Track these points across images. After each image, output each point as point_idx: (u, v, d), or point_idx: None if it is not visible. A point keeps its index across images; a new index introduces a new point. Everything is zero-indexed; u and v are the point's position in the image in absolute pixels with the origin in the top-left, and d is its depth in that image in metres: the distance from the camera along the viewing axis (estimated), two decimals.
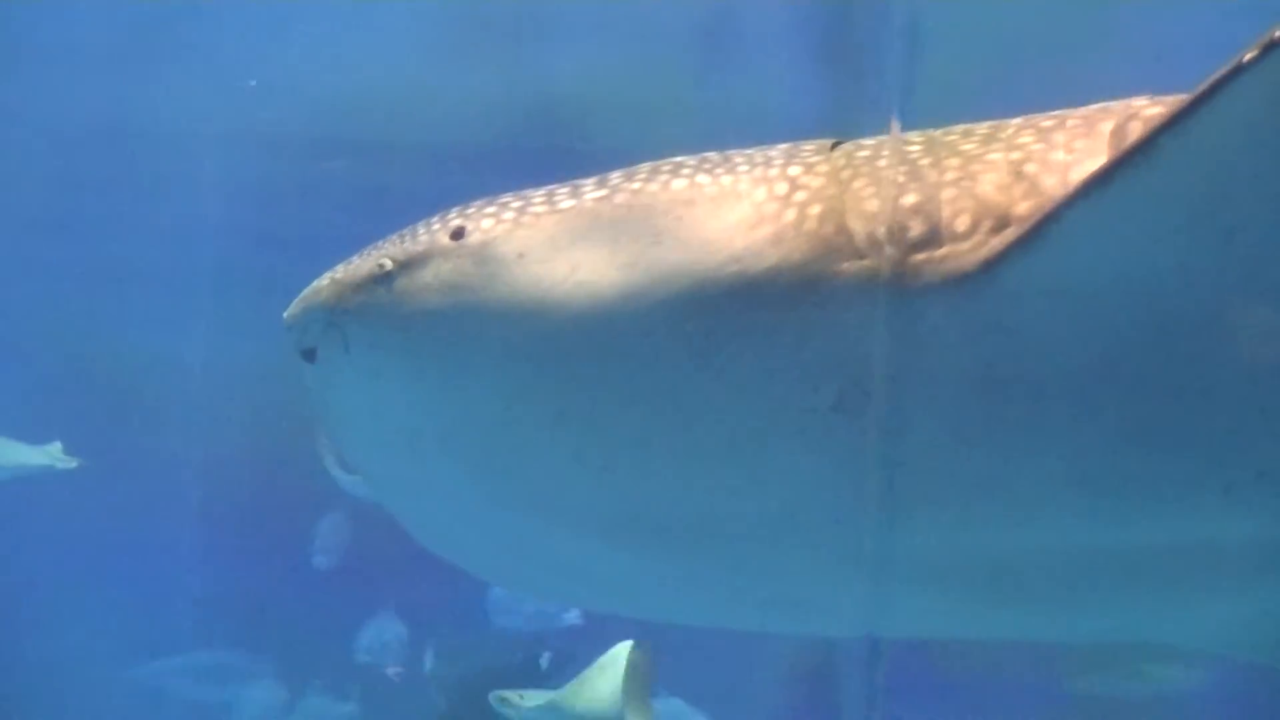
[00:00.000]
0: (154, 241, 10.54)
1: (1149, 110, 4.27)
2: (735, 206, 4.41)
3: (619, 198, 4.50)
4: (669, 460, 4.49)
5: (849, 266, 4.24)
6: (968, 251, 4.15)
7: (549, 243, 4.51)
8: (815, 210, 4.33)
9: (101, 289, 10.06)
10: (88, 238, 11.12)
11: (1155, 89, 3.94)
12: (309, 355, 4.67)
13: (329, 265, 4.84)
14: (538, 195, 4.61)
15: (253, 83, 10.29)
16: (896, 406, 4.31)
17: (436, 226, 4.62)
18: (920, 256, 4.19)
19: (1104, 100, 4.48)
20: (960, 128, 4.49)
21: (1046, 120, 4.36)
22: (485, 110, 10.46)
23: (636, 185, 4.50)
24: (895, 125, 4.58)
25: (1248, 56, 3.58)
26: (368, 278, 4.63)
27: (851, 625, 5.11)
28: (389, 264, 4.60)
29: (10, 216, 11.06)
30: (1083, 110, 4.40)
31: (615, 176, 4.57)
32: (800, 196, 4.36)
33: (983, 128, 4.47)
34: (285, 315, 4.71)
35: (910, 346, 4.26)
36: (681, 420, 4.43)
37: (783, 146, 4.57)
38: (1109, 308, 4.11)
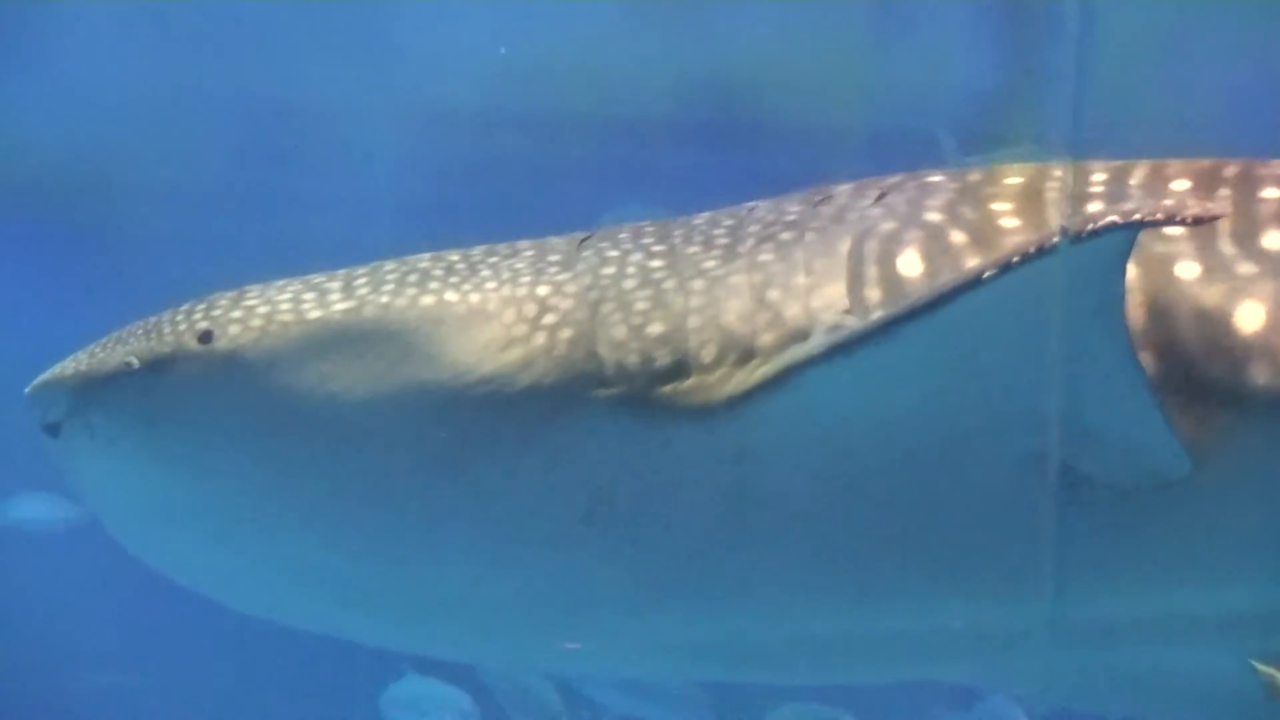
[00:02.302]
0: (329, 217, 10.63)
1: (884, 225, 4.50)
2: (484, 328, 4.51)
3: (367, 310, 4.58)
4: (421, 557, 4.65)
5: (598, 394, 4.40)
6: (714, 384, 4.34)
7: (296, 354, 4.59)
8: (565, 335, 4.47)
9: (278, 265, 10.17)
10: (264, 214, 11.24)
11: None
12: (52, 430, 4.75)
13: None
14: (284, 298, 4.70)
15: (502, 50, 10.36)
16: (645, 520, 4.46)
17: (183, 326, 4.71)
18: (668, 388, 4.35)
19: None
20: (700, 236, 4.64)
21: (785, 233, 4.53)
22: (659, 84, 10.46)
23: (384, 299, 4.58)
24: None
25: (987, 274, 3.92)
26: (113, 373, 4.69)
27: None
28: (135, 362, 4.67)
29: (190, 192, 11.21)
30: (821, 216, 4.60)
31: (361, 282, 4.66)
32: (549, 319, 4.49)
33: (721, 234, 4.63)
34: (27, 390, 4.81)
35: (658, 468, 4.40)
36: (431, 524, 4.59)
37: (528, 255, 4.69)
38: (850, 440, 4.33)
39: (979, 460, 4.35)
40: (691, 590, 4.64)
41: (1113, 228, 3.81)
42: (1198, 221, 3.96)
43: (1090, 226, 3.80)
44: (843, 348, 4.19)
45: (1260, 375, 4.22)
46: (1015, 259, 3.90)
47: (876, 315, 4.25)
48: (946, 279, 4.14)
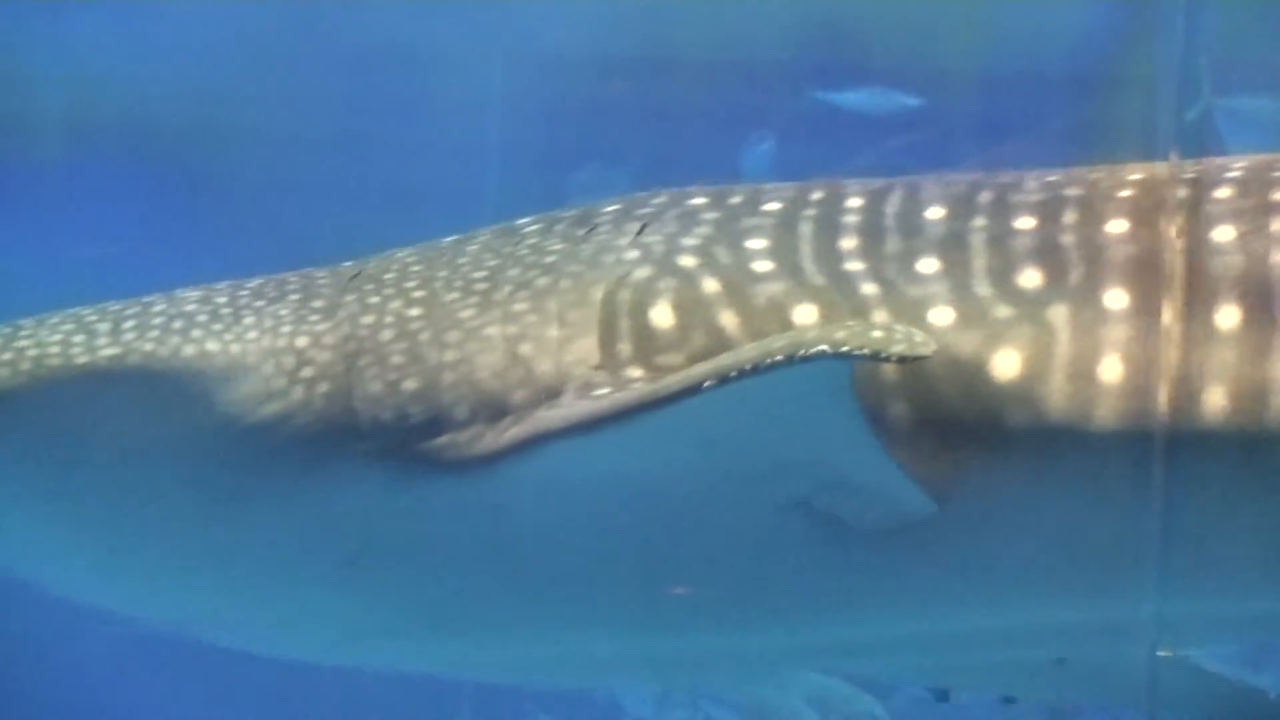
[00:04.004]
0: (438, 163, 10.65)
1: (638, 272, 4.58)
2: (243, 381, 4.61)
3: (131, 359, 4.69)
4: (199, 590, 4.90)
5: (355, 448, 4.52)
6: (466, 443, 4.45)
7: (64, 399, 4.72)
8: (322, 389, 4.57)
9: (386, 209, 10.21)
10: (373, 158, 11.27)
11: None
12: None
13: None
14: (54, 340, 4.79)
15: None
16: (410, 564, 4.71)
17: None
18: (422, 445, 4.45)
19: None
20: (460, 280, 4.72)
21: (542, 278, 4.61)
22: (768, 27, 10.41)
23: (148, 347, 4.68)
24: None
25: (706, 384, 4.10)
26: None
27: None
28: None
29: (300, 137, 11.24)
30: (579, 258, 4.68)
31: (129, 326, 4.76)
32: (307, 373, 4.59)
33: (481, 278, 4.71)
34: None
35: (417, 520, 4.57)
36: (211, 560, 4.79)
37: (292, 300, 4.77)
38: (602, 497, 4.47)
39: (734, 509, 4.48)
40: (463, 622, 4.89)
41: (822, 356, 3.97)
42: (902, 360, 4.00)
43: (801, 353, 3.97)
44: (581, 426, 4.33)
45: (1018, 419, 4.30)
46: (733, 374, 4.06)
47: (614, 396, 4.38)
48: (668, 382, 4.28)
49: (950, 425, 4.33)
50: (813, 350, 3.96)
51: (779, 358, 4.01)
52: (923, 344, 4.00)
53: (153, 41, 10.94)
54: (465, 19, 10.73)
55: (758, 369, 4.02)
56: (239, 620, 5.08)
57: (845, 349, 3.95)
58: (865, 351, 3.95)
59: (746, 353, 4.14)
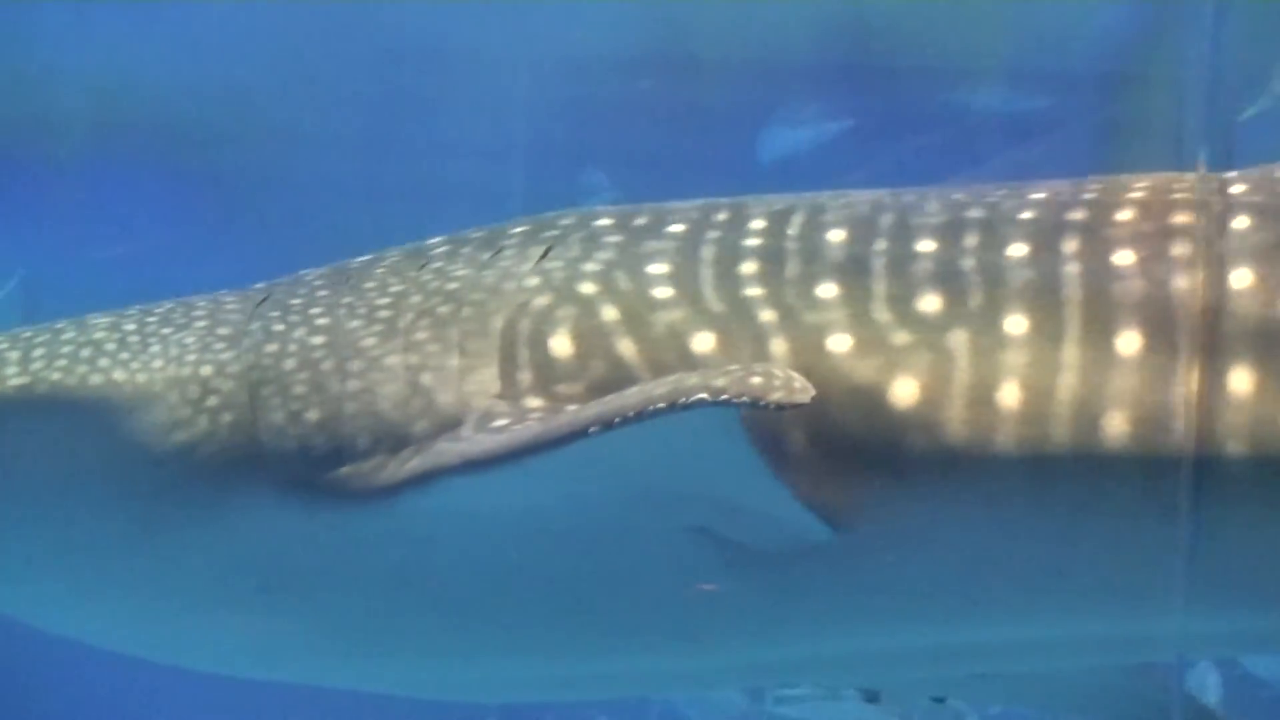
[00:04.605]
0: (467, 162, 10.67)
1: (538, 300, 4.59)
2: (149, 410, 4.64)
3: (40, 389, 4.73)
4: (120, 612, 4.95)
5: (260, 477, 4.53)
6: (369, 472, 4.46)
7: None
8: (226, 419, 4.60)
9: (416, 207, 10.22)
10: (403, 157, 11.28)
11: None
12: None
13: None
14: None
15: None
16: (320, 589, 4.71)
17: None
18: (326, 474, 4.46)
19: None
20: (364, 308, 4.73)
21: (444, 306, 4.61)
22: (796, 26, 10.41)
23: (56, 376, 4.74)
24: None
25: (591, 430, 4.11)
26: None
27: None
28: None
29: (330, 136, 11.26)
30: (481, 285, 4.68)
31: (38, 355, 4.80)
32: (212, 402, 4.61)
33: (385, 305, 4.72)
34: None
35: (325, 547, 4.59)
36: (123, 585, 4.84)
37: (199, 327, 4.79)
38: (505, 528, 4.49)
39: (635, 536, 4.50)
40: (378, 644, 4.93)
41: (702, 404, 3.99)
42: (780, 407, 3.99)
43: (682, 400, 3.99)
44: (475, 462, 4.33)
45: (917, 445, 4.29)
46: (617, 420, 4.08)
47: (510, 431, 4.38)
48: (557, 424, 4.28)
49: (851, 452, 4.32)
50: (693, 398, 4.00)
51: (661, 405, 4.03)
52: (801, 390, 4.01)
53: (178, 41, 10.97)
54: (489, 19, 10.75)
55: (641, 415, 4.05)
56: (160, 641, 5.13)
57: (724, 396, 3.98)
58: (744, 399, 3.97)
59: (630, 398, 4.16)
